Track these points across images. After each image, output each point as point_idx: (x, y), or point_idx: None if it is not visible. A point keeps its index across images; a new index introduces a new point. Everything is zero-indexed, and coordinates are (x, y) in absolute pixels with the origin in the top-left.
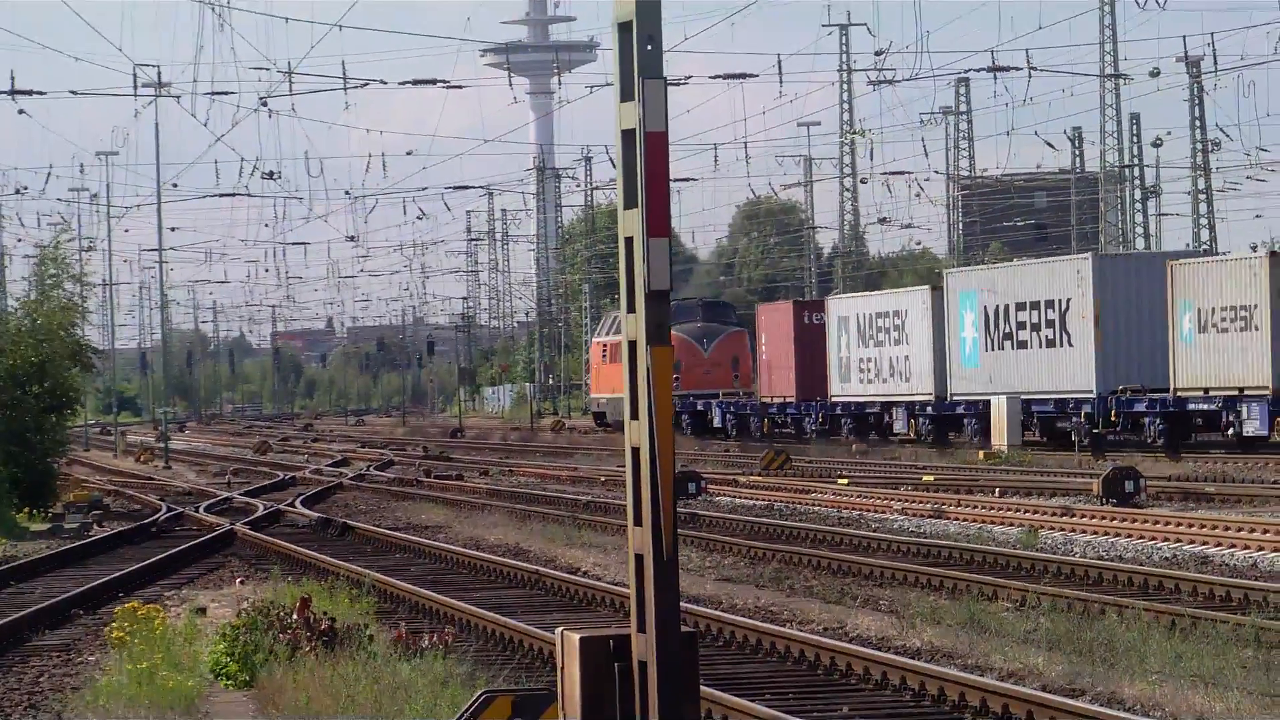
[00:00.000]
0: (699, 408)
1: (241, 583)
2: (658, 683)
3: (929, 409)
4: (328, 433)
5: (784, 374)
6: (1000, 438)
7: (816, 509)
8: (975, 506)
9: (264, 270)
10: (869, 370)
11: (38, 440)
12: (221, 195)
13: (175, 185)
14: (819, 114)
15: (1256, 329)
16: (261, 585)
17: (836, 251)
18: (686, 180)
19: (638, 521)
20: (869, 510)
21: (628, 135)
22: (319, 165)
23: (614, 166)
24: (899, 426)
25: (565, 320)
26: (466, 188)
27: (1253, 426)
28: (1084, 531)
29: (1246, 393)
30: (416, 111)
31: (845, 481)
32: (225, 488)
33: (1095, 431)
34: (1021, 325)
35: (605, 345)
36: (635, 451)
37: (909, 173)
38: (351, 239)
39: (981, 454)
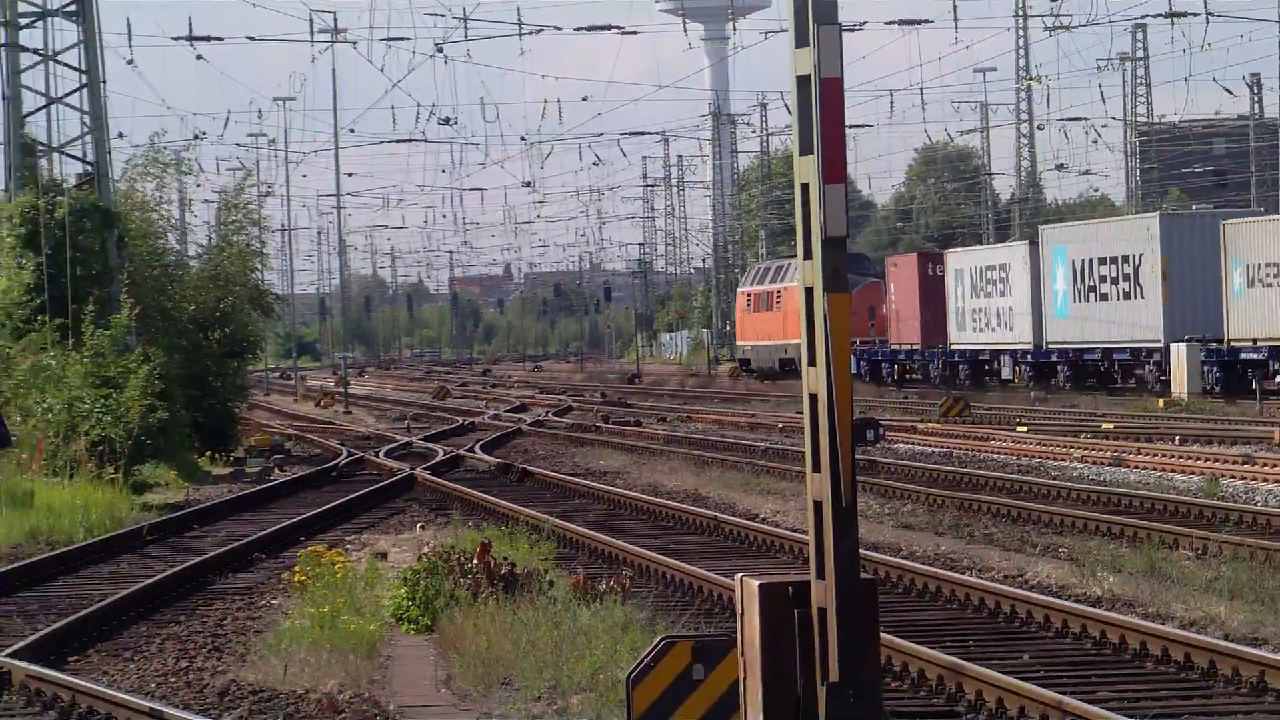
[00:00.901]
0: None
1: (422, 528)
2: (837, 629)
3: (1028, 356)
4: (506, 378)
5: (910, 323)
6: (1180, 385)
7: (995, 456)
8: (1155, 455)
9: (441, 216)
10: (980, 320)
11: (219, 385)
12: (398, 141)
13: (352, 131)
14: (994, 60)
15: None
16: (442, 530)
17: (1014, 198)
18: (862, 126)
19: (816, 468)
20: (1048, 458)
21: (803, 81)
22: (495, 111)
23: (789, 113)
24: (1005, 373)
25: (742, 266)
26: (642, 134)
27: None
28: (1266, 480)
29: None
30: (591, 57)
31: (1024, 429)
32: (405, 433)
33: (1164, 378)
34: (1103, 279)
35: (750, 294)
36: (813, 398)
37: (1085, 119)
38: (528, 185)
39: (1161, 402)
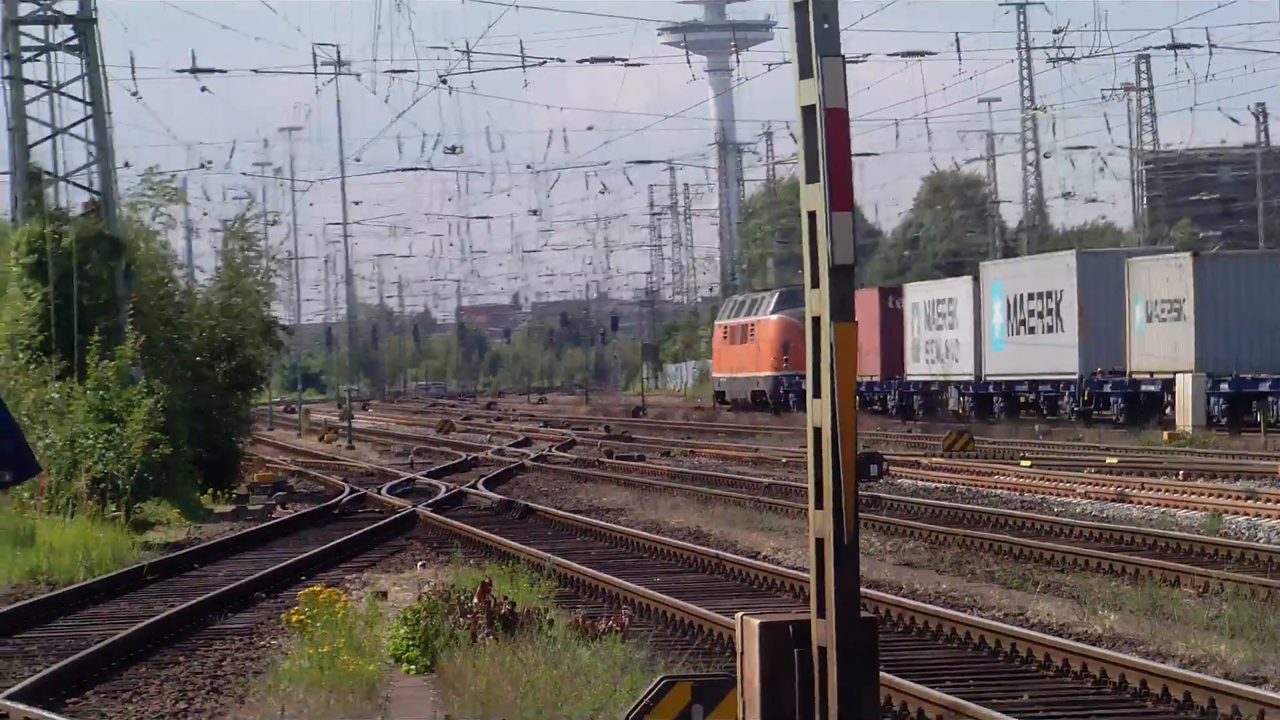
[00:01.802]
0: (803, 387)
1: (423, 566)
2: (837, 668)
3: (970, 388)
4: (510, 411)
5: (870, 355)
6: (1185, 419)
7: (998, 492)
8: (1159, 490)
9: (448, 244)
10: (931, 352)
11: (224, 419)
12: (404, 170)
13: (358, 160)
14: (999, 90)
15: (1185, 319)
16: (443, 569)
17: (1021, 226)
18: (868, 155)
19: (819, 504)
20: (1051, 493)
21: (808, 111)
22: (500, 140)
23: (795, 142)
24: (952, 404)
25: None
26: (648, 162)
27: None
28: (1268, 516)
29: (1179, 376)
30: (596, 87)
31: (1028, 463)
32: (408, 468)
33: (1079, 409)
34: (1032, 313)
35: (726, 327)
36: (817, 432)
37: (1092, 147)
38: (534, 213)
39: (1166, 435)
